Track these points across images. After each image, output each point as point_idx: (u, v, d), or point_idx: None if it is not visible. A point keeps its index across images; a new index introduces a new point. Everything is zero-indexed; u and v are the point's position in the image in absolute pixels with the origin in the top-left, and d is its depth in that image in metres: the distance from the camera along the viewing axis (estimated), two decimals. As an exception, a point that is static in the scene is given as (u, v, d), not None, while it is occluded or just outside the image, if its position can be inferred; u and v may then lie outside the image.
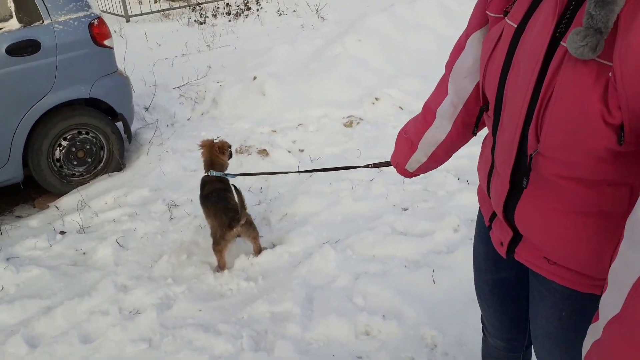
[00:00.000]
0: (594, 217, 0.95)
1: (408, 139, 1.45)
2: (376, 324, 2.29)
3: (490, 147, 1.12)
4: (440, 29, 6.37)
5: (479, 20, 1.18)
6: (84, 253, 3.06)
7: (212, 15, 8.92)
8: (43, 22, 3.47)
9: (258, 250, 2.88)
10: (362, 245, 2.85)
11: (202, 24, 8.45)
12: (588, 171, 0.90)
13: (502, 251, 1.19)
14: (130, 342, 2.32)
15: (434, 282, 2.50)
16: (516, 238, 1.13)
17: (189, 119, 4.95)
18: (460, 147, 1.43)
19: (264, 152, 4.04)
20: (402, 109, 4.63)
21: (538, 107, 0.90)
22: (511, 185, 1.05)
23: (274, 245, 2.98)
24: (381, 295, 2.45)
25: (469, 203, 3.09)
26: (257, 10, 8.91)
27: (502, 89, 1.00)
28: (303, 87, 4.99)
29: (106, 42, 3.76)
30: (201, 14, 8.93)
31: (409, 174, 1.55)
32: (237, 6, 9.18)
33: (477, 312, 2.30)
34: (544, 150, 0.93)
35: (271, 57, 5.69)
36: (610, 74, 0.78)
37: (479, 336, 2.18)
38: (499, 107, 1.03)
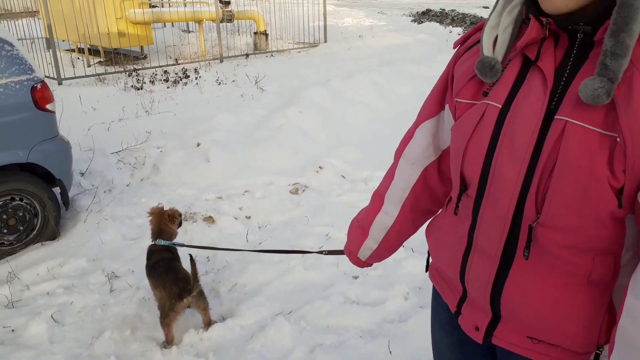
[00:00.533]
0: (584, 288, 0.99)
1: (359, 226, 1.47)
2: (336, 397, 2.26)
3: (468, 227, 1.11)
4: (372, 103, 6.80)
5: (430, 111, 1.25)
6: (12, 330, 2.79)
7: (150, 81, 8.91)
8: (-18, 84, 3.33)
9: (208, 323, 2.77)
10: (316, 315, 2.83)
11: (139, 89, 8.40)
12: (586, 238, 0.95)
13: (477, 337, 1.15)
14: None
15: (390, 352, 2.52)
16: (494, 320, 1.11)
17: (128, 185, 4.81)
18: (411, 234, 1.44)
19: (210, 219, 3.98)
20: (344, 177, 4.79)
21: (539, 178, 0.94)
22: (500, 262, 1.05)
23: (224, 318, 2.88)
24: (339, 367, 2.43)
25: (416, 271, 3.21)
26: (196, 78, 9.03)
27: (487, 167, 1.02)
28: (248, 155, 5.06)
29: (48, 107, 3.65)
30: (138, 79, 8.89)
31: (361, 263, 1.53)
32: (176, 74, 9.26)
33: None
34: (546, 219, 0.95)
35: (214, 125, 5.75)
36: (618, 139, 0.87)
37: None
38: (482, 186, 1.05)
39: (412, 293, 2.97)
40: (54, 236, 3.75)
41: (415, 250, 3.46)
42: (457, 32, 11.68)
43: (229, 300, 3.05)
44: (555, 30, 0.96)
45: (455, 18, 13.52)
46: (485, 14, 14.32)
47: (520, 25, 1.04)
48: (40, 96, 3.59)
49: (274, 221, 4.01)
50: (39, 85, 3.60)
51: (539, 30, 0.97)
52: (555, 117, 0.93)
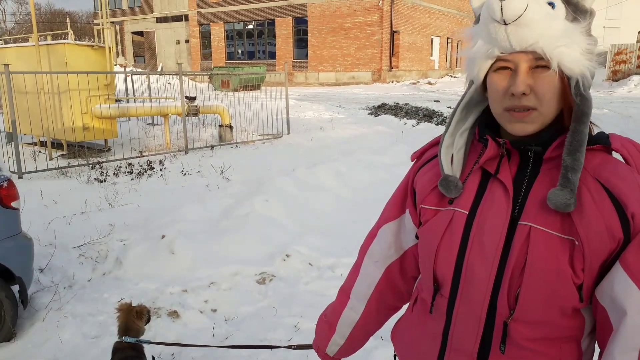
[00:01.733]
0: None
1: (327, 321, 1.50)
2: None
3: (442, 327, 1.17)
4: (335, 190, 7.03)
5: (392, 213, 1.38)
6: None
7: (114, 174, 8.93)
8: (-53, 182, 3.32)
9: None
10: (286, 410, 2.77)
11: (102, 182, 8.39)
12: (554, 329, 1.06)
13: None
14: None
15: None
16: None
17: (89, 280, 4.69)
18: (378, 329, 1.49)
19: (174, 314, 3.90)
20: (311, 265, 4.84)
21: (510, 277, 1.04)
22: (477, 359, 1.11)
23: (191, 418, 2.77)
24: None
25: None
26: (161, 170, 9.12)
27: (459, 268, 1.11)
28: (214, 245, 5.06)
29: (13, 204, 3.64)
30: (101, 172, 8.91)
31: (329, 359, 1.54)
32: (140, 166, 9.34)
33: None
34: (520, 315, 1.04)
35: (180, 216, 5.78)
36: (577, 242, 1.01)
37: None
38: (455, 286, 1.12)
39: (383, 382, 2.96)
40: (9, 337, 3.57)
41: (384, 338, 3.47)
42: (411, 124, 12.43)
43: (196, 399, 2.95)
44: (509, 149, 1.13)
45: (409, 111, 14.41)
46: (436, 107, 15.34)
47: (469, 145, 1.20)
48: (5, 194, 3.59)
49: (241, 313, 3.97)
50: (5, 184, 3.61)
51: (496, 149, 1.13)
52: (520, 222, 1.07)
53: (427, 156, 1.32)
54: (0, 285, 3.55)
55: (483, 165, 1.15)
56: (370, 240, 1.44)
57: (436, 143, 1.30)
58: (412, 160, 1.37)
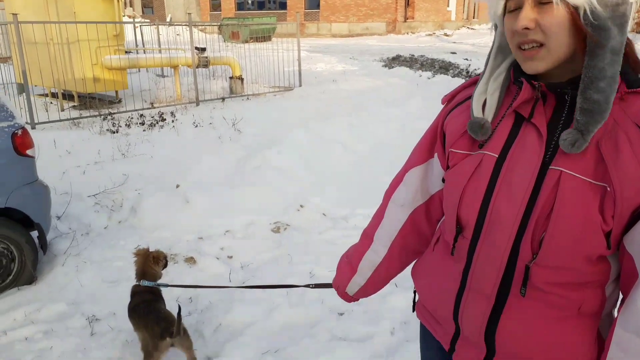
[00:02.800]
0: (575, 319, 1.08)
1: (348, 262, 1.52)
2: None
3: (462, 267, 1.18)
4: (349, 144, 6.96)
5: (420, 158, 1.35)
6: (-12, 380, 2.69)
7: (126, 125, 8.91)
8: (-38, 128, 3.31)
9: None
10: (304, 354, 2.82)
11: (114, 132, 8.38)
12: (577, 275, 1.05)
13: None
14: None
15: (380, 386, 2.53)
16: (489, 355, 1.16)
17: (105, 228, 4.75)
18: (399, 272, 1.50)
19: (191, 260, 3.96)
20: (325, 215, 4.84)
21: (535, 221, 1.02)
22: (496, 301, 1.11)
23: (209, 359, 2.84)
24: (329, 405, 2.42)
25: (401, 306, 3.24)
26: (173, 121, 9.08)
27: (484, 211, 1.10)
28: (228, 196, 5.08)
29: (28, 152, 3.64)
30: (113, 123, 8.89)
31: (349, 298, 1.58)
32: (152, 117, 9.29)
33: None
34: (542, 259, 1.03)
35: (193, 167, 5.79)
36: (609, 189, 0.98)
37: None
38: (478, 228, 1.12)
39: (398, 328, 3.00)
40: (31, 281, 3.65)
41: (399, 285, 3.50)
42: (426, 76, 12.14)
43: (214, 341, 3.01)
44: (544, 91, 1.08)
45: (425, 63, 14.06)
46: (452, 59, 14.96)
47: (505, 89, 1.16)
48: (20, 142, 3.58)
49: (257, 260, 4.01)
50: (19, 132, 3.60)
51: (531, 92, 1.09)
52: (551, 167, 1.04)
53: (458, 99, 1.27)
54: (20, 231, 3.60)
55: (517, 109, 1.11)
56: (396, 184, 1.41)
57: (468, 85, 1.27)
58: (442, 104, 1.33)
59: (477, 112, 1.15)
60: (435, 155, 1.30)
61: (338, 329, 3.02)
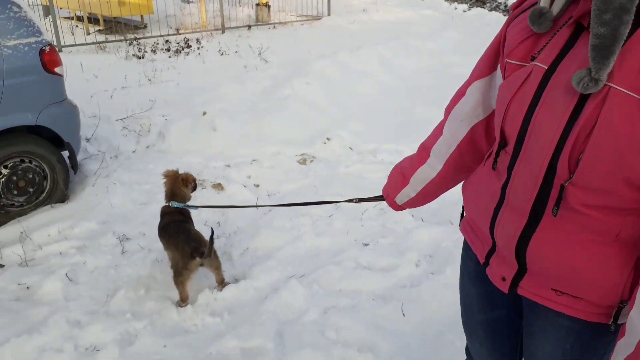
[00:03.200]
0: (612, 246, 1.03)
1: (401, 172, 1.54)
2: (351, 357, 2.30)
3: (502, 183, 1.15)
4: (379, 77, 6.75)
5: (483, 70, 1.27)
6: (27, 287, 2.81)
7: (151, 50, 8.79)
8: (-9, 43, 3.28)
9: (221, 281, 2.81)
10: (328, 279, 2.86)
11: (140, 58, 8.29)
12: (616, 199, 0.98)
13: (504, 287, 1.20)
14: (90, 382, 2.15)
15: (404, 315, 2.56)
16: (520, 272, 1.15)
17: (134, 152, 4.79)
18: (450, 188, 1.50)
19: (219, 186, 3.99)
20: (352, 149, 4.78)
21: (575, 138, 0.96)
22: (529, 218, 1.08)
23: (237, 280, 2.91)
24: (353, 328, 2.47)
25: (425, 239, 3.24)
26: (198, 48, 8.92)
27: (526, 125, 1.05)
28: (255, 125, 5.03)
29: (57, 70, 3.61)
30: (139, 48, 8.78)
31: (397, 207, 1.61)
32: (177, 43, 9.14)
33: (447, 343, 2.39)
34: (579, 179, 0.98)
35: (219, 94, 5.71)
36: None
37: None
38: (519, 143, 1.08)
39: (423, 260, 3.01)
40: (63, 199, 3.74)
41: (425, 220, 3.49)
42: (462, 9, 11.54)
43: (242, 263, 3.08)
44: None
45: (460, -5, 13.32)
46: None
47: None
48: (48, 59, 3.54)
49: (283, 190, 4.02)
50: (47, 48, 3.55)
51: None
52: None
53: (525, 5, 1.17)
54: (51, 149, 3.64)
55: (578, 19, 1.01)
56: (457, 98, 1.35)
57: None
58: (511, 10, 1.22)
59: (544, 1, 1.06)
60: (499, 67, 1.22)
61: (363, 258, 3.05)
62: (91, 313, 2.59)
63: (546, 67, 1.03)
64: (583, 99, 0.96)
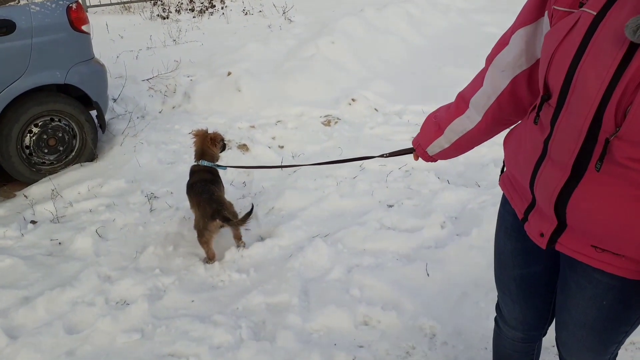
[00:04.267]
0: None
1: (436, 122, 1.49)
2: (375, 314, 2.32)
3: (544, 137, 1.11)
4: (406, 36, 6.56)
5: (528, 16, 1.19)
6: (59, 243, 2.91)
7: (176, 10, 8.72)
8: (19, 1, 3.28)
9: (238, 237, 2.84)
10: (352, 239, 2.87)
11: (165, 18, 8.25)
12: None
13: (542, 242, 1.18)
14: (121, 333, 2.23)
15: (428, 274, 2.56)
16: (559, 228, 1.13)
17: (160, 112, 4.82)
18: (485, 141, 1.46)
19: (244, 147, 3.99)
20: (377, 110, 4.71)
21: (622, 91, 0.91)
22: (571, 173, 1.04)
23: (262, 239, 2.94)
24: (377, 287, 2.48)
25: (451, 201, 3.19)
26: (222, 8, 8.80)
27: (570, 76, 1.00)
28: (279, 85, 4.98)
29: (84, 28, 3.61)
30: (164, 8, 8.71)
31: (427, 157, 1.58)
32: (201, 3, 9.03)
33: (471, 303, 2.39)
34: (625, 133, 0.93)
35: (244, 55, 5.65)
36: None
37: (475, 326, 2.26)
38: (563, 95, 1.03)
39: (449, 222, 2.97)
40: (92, 157, 3.81)
41: (451, 182, 3.44)
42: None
43: (267, 222, 3.10)
44: None
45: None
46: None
47: None
48: (75, 17, 3.54)
49: (307, 151, 4.00)
50: (74, 6, 3.54)
51: None
52: None
53: None
54: (80, 108, 3.68)
55: None
56: (500, 47, 1.28)
57: None
58: None
59: None
60: (546, 13, 1.15)
61: (387, 219, 3.04)
62: (121, 269, 2.66)
63: (595, 13, 0.97)
64: (633, 48, 0.90)
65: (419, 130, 1.60)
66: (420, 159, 1.64)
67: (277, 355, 2.09)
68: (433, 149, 1.53)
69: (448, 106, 1.48)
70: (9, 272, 2.63)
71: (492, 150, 3.76)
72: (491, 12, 7.48)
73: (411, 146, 1.66)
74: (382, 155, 1.85)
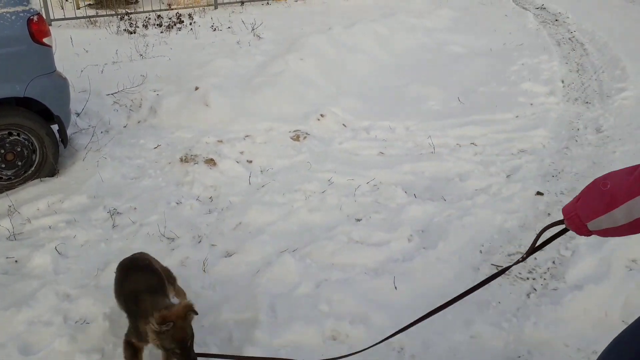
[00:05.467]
0: None
1: (610, 193, 1.19)
2: (344, 329, 2.30)
3: None
4: (373, 53, 6.69)
5: None
6: (16, 261, 2.79)
7: (143, 25, 8.63)
8: (-24, 11, 3.19)
9: None
10: (321, 253, 2.85)
11: (132, 33, 8.14)
12: None
13: None
14: (79, 353, 2.13)
15: (396, 288, 2.56)
16: None
17: (125, 127, 4.73)
18: None
19: (211, 162, 3.94)
20: (345, 126, 4.74)
21: None
22: None
23: (229, 255, 2.90)
24: (345, 301, 2.46)
25: (418, 215, 3.23)
26: (191, 24, 8.77)
27: None
28: (248, 100, 4.97)
29: (45, 40, 3.52)
30: (130, 23, 8.61)
31: (585, 232, 1.28)
32: (169, 18, 8.97)
33: (439, 316, 2.37)
34: None
35: (212, 70, 5.63)
36: None
37: (444, 339, 2.27)
38: None
39: (416, 235, 3.00)
40: (52, 173, 3.69)
41: (417, 196, 3.47)
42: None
43: (234, 238, 3.06)
44: None
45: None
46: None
47: None
48: (37, 29, 3.45)
49: (276, 165, 3.98)
50: (35, 18, 3.46)
51: None
52: None
53: None
54: (40, 123, 3.57)
55: None
56: None
57: None
58: None
59: None
60: None
61: (356, 233, 3.04)
62: (81, 287, 2.57)
63: None
64: None
65: (575, 198, 1.30)
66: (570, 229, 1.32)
67: (243, 372, 2.04)
68: (598, 224, 1.23)
69: (628, 173, 1.19)
70: (-40, 292, 2.50)
71: (457, 165, 3.84)
72: (456, 32, 7.70)
73: (556, 221, 1.37)
74: (522, 259, 1.52)
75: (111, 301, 2.43)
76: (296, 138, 4.46)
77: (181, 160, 3.94)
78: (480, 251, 2.87)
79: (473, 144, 4.22)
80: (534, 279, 2.64)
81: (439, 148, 4.14)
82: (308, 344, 2.23)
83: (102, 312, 2.35)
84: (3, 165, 3.47)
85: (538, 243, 1.46)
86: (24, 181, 3.57)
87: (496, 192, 3.43)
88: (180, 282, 2.62)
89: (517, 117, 4.74)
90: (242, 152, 4.17)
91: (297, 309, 2.42)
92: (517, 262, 1.54)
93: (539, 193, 3.39)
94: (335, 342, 2.26)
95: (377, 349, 2.20)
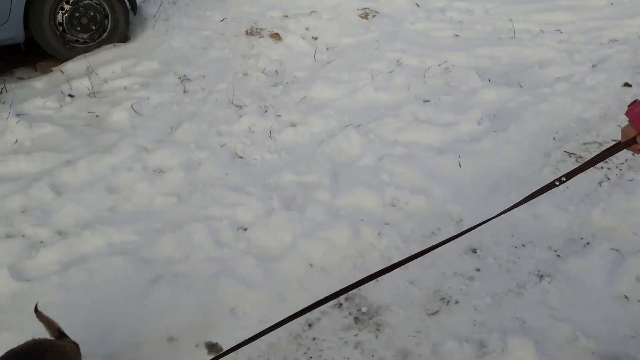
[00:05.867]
0: None
1: None
2: (403, 197, 2.33)
3: None
4: None
5: None
6: (97, 116, 2.96)
7: None
8: None
9: None
10: (385, 130, 2.83)
11: None
12: None
13: None
14: (159, 195, 2.32)
15: (460, 165, 2.54)
16: None
17: (192, -1, 4.67)
18: None
19: (276, 36, 3.88)
20: (418, 6, 4.46)
21: None
22: None
23: (294, 125, 2.93)
24: (407, 174, 2.48)
25: (491, 99, 3.09)
26: None
27: None
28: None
29: None
30: None
31: None
32: None
33: (502, 194, 2.37)
34: None
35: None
36: None
37: (503, 215, 2.26)
38: None
39: (486, 119, 2.89)
40: (125, 39, 3.77)
41: (492, 80, 3.31)
42: None
43: (298, 110, 3.07)
44: None
45: None
46: None
47: None
48: None
49: (343, 43, 3.86)
50: None
51: None
52: None
53: None
54: (111, -11, 3.58)
55: None
56: None
57: None
58: None
59: None
60: None
61: (422, 113, 2.97)
62: (157, 141, 2.71)
63: None
64: None
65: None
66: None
67: (305, 223, 2.15)
68: None
69: None
70: (51, 138, 2.71)
71: (539, 51, 3.58)
72: None
73: (620, 138, 1.20)
74: (560, 180, 1.28)
75: (185, 154, 2.58)
76: (365, 16, 4.27)
77: (247, 33, 3.89)
78: (554, 138, 2.75)
79: (558, 30, 3.89)
80: (609, 168, 2.53)
81: (520, 33, 3.85)
82: (367, 207, 2.29)
83: (177, 164, 2.50)
84: (79, 29, 3.56)
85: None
86: (99, 45, 3.67)
87: (579, 81, 3.21)
88: (248, 146, 2.71)
89: (611, 4, 4.28)
90: (307, 29, 4.05)
91: (358, 176, 2.46)
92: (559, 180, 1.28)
93: (626, 84, 3.14)
94: (394, 208, 2.31)
95: (436, 218, 2.25)
